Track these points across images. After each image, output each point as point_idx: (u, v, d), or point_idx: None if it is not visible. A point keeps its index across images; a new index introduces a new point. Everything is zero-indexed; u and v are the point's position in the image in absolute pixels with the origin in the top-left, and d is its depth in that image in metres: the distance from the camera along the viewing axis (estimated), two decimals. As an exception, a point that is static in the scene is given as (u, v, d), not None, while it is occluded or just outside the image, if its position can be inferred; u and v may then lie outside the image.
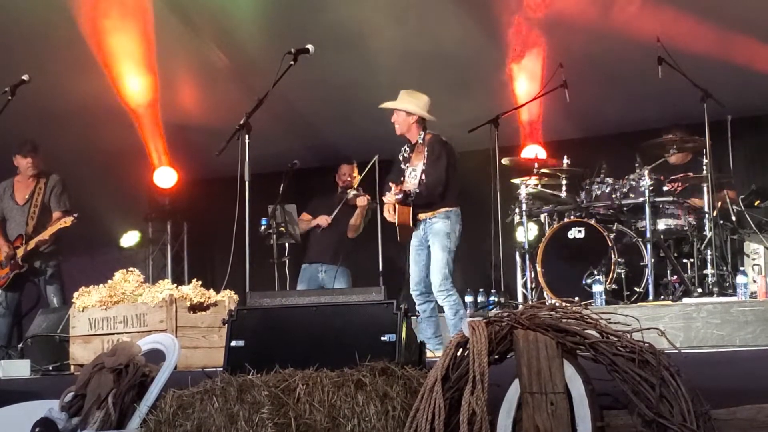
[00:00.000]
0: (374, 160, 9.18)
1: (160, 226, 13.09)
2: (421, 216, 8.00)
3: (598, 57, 9.64)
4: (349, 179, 9.76)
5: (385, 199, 8.09)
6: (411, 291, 8.06)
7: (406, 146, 8.18)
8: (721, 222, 8.56)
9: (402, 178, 8.09)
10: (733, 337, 6.99)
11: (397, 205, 7.97)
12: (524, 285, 9.30)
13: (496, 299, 8.62)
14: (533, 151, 9.99)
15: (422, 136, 8.04)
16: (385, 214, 8.12)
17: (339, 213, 9.58)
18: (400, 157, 8.21)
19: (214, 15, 10.16)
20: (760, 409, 3.11)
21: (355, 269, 10.02)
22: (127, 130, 11.05)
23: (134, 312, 7.08)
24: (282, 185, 9.11)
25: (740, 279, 7.88)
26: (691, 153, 8.98)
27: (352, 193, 9.49)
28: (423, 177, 7.95)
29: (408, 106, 8.07)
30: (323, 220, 9.65)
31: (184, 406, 4.09)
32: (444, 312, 8.01)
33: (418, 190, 7.93)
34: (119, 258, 11.69)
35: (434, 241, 7.95)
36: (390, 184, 8.08)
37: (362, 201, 9.46)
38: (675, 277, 8.45)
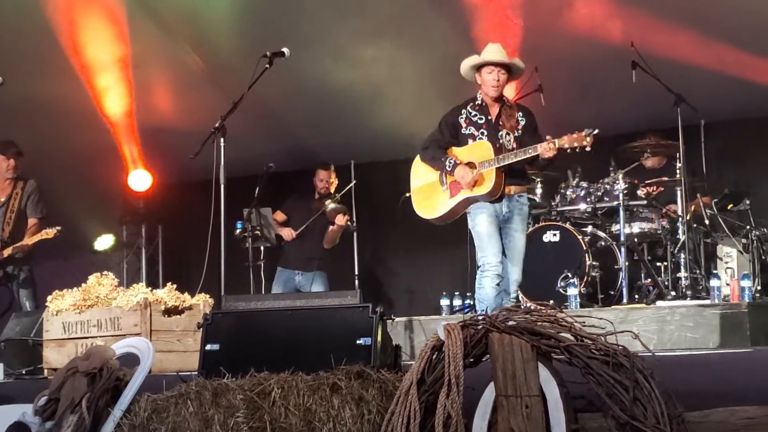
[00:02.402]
0: (351, 186, 9.21)
1: (134, 229, 13.05)
2: (510, 189, 7.03)
3: (574, 61, 9.67)
4: (326, 184, 9.74)
5: (544, 152, 6.76)
6: (495, 263, 6.97)
7: (469, 109, 7.16)
8: (695, 225, 8.61)
9: (472, 143, 7.06)
10: (706, 340, 7.02)
11: (494, 172, 6.85)
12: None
13: (472, 302, 8.63)
14: (508, 154, 10.00)
15: (506, 99, 7.27)
16: (464, 178, 6.92)
17: (314, 221, 9.53)
18: (463, 121, 7.14)
19: (189, 18, 10.13)
20: (733, 412, 3.13)
21: (331, 272, 10.02)
22: (101, 132, 11.00)
23: (108, 316, 7.04)
24: (257, 188, 9.10)
25: (713, 282, 7.92)
26: (665, 157, 9.05)
27: (330, 206, 9.42)
28: (516, 143, 7.01)
29: (520, 63, 7.19)
30: (288, 234, 9.57)
31: (159, 410, 4.08)
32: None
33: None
34: (93, 261, 11.62)
35: (520, 225, 7.10)
36: (548, 137, 6.84)
37: (341, 221, 9.41)
38: (649, 280, 8.51)
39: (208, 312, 4.67)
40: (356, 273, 9.29)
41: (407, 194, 7.65)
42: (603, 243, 8.62)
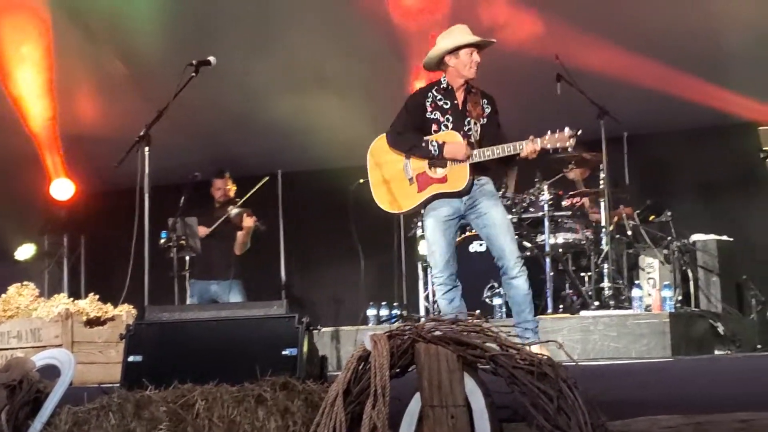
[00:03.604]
0: (265, 180, 9.12)
1: (56, 238, 12.85)
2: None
3: (499, 73, 9.70)
4: (225, 192, 9.63)
5: (526, 154, 6.44)
6: (439, 274, 6.65)
7: (435, 92, 6.69)
8: (618, 236, 8.73)
9: (436, 129, 6.61)
10: (628, 349, 7.12)
11: (468, 166, 6.46)
12: (426, 298, 9.37)
13: (399, 312, 8.65)
14: (436, 165, 10.04)
15: (471, 85, 6.72)
16: (458, 153, 6.45)
17: (223, 228, 9.42)
18: (429, 104, 6.66)
19: (114, 25, 10.03)
20: (655, 421, 3.16)
21: (257, 281, 9.97)
22: (22, 140, 10.82)
23: (29, 327, 6.93)
24: (183, 198, 9.02)
25: (635, 292, 8.04)
26: (588, 169, 9.15)
27: (234, 211, 9.33)
28: (481, 132, 6.61)
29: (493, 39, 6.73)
30: (204, 231, 9.47)
31: (80, 423, 4.01)
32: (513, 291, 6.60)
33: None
34: (14, 271, 11.41)
35: (496, 202, 6.62)
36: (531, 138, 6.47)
37: (249, 222, 9.32)
38: (573, 290, 8.59)
39: (131, 323, 4.62)
40: (283, 283, 9.25)
41: (361, 180, 7.22)
42: (528, 253, 8.69)
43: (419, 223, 9.26)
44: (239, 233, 9.41)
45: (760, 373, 5.01)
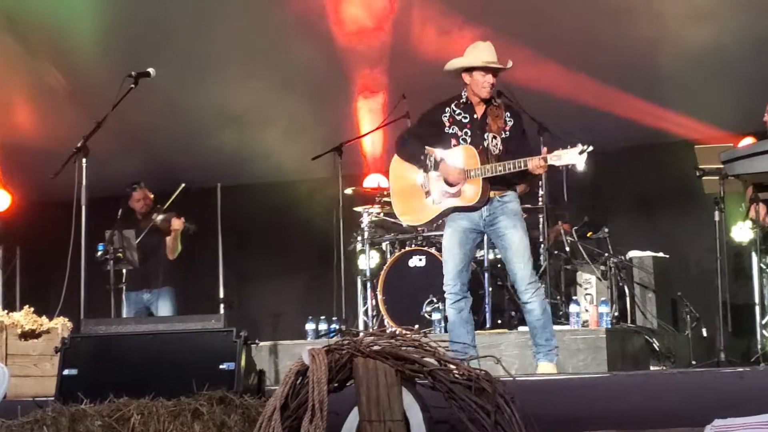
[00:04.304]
0: (181, 188, 9.07)
1: (-9, 250, 12.64)
2: (492, 193, 6.52)
3: (441, 89, 9.77)
4: (144, 202, 9.54)
5: (534, 169, 6.37)
6: (449, 284, 6.63)
7: (453, 107, 6.68)
8: (556, 252, 8.79)
9: (455, 143, 6.59)
10: (565, 364, 7.16)
11: (480, 181, 6.41)
12: (365, 312, 9.36)
13: (338, 327, 8.63)
14: (376, 179, 10.08)
15: (494, 98, 6.69)
16: (450, 175, 6.48)
17: (151, 236, 9.32)
18: (446, 119, 6.64)
19: (52, 36, 9.94)
20: (590, 435, 3.20)
21: (194, 295, 9.89)
22: (-44, 149, 10.67)
23: (-38, 339, 6.82)
24: (120, 210, 8.93)
25: (573, 308, 8.10)
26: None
27: (159, 217, 9.25)
28: (503, 146, 6.54)
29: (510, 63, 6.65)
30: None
31: (13, 437, 3.96)
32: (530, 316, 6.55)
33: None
34: (-53, 284, 11.24)
35: (516, 223, 6.52)
36: (544, 150, 6.48)
37: (177, 224, 9.24)
38: (511, 305, 8.62)
39: (67, 336, 4.57)
40: (221, 296, 9.18)
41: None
42: (467, 268, 8.72)
43: (358, 238, 9.27)
44: (168, 238, 9.34)
45: (694, 389, 5.07)
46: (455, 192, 6.54)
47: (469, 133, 6.58)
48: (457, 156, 6.53)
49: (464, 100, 6.68)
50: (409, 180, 6.75)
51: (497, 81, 6.64)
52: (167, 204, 9.29)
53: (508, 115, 6.63)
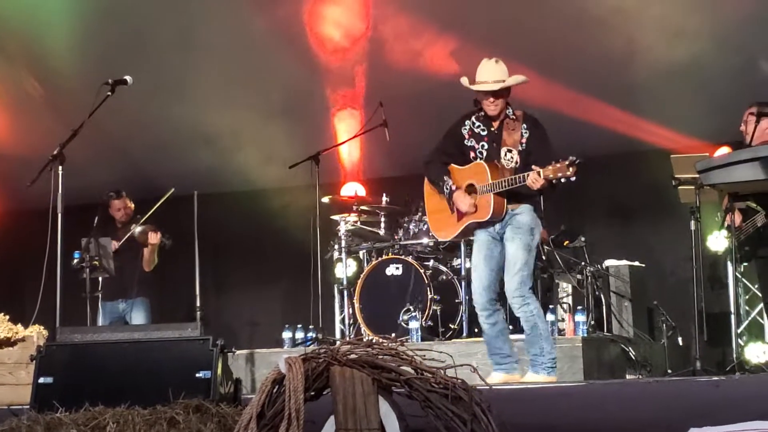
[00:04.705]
0: (170, 192, 9.04)
1: (-34, 258, 12.57)
2: (507, 207, 6.64)
3: (418, 97, 9.82)
4: (125, 212, 9.50)
5: (532, 184, 6.42)
6: (477, 299, 6.75)
7: (474, 120, 6.79)
8: (533, 261, 8.81)
9: (473, 156, 6.73)
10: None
11: (492, 196, 6.55)
12: (342, 321, 9.35)
13: (315, 335, 8.62)
14: (353, 188, 10.08)
15: (511, 111, 6.74)
16: (462, 204, 6.66)
17: (129, 246, 9.28)
18: (466, 132, 6.78)
19: (28, 43, 9.90)
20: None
21: (171, 303, 9.86)
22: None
23: (-65, 348, 6.77)
24: (96, 218, 8.89)
25: (549, 317, 8.11)
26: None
27: (137, 229, 9.19)
28: (520, 159, 6.61)
29: (515, 80, 6.73)
30: (115, 245, 9.29)
31: (-13, 446, 3.94)
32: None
33: (556, 180, 6.42)
34: None
35: (515, 236, 6.59)
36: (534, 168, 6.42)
37: (154, 239, 9.20)
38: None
39: (42, 344, 4.55)
40: (198, 305, 9.15)
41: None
42: (444, 277, 8.74)
43: (335, 246, 9.27)
44: (145, 250, 9.31)
45: (670, 398, 5.09)
46: (473, 208, 6.67)
47: (486, 147, 6.69)
48: (471, 173, 6.68)
49: (483, 112, 6.76)
50: (437, 197, 6.93)
51: (513, 95, 6.77)
52: (151, 211, 9.25)
53: (525, 126, 6.68)
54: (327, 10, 9.84)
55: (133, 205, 9.54)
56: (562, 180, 6.40)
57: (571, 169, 6.35)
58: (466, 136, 6.76)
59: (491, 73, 6.67)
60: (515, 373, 6.69)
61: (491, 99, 6.65)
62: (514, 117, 6.70)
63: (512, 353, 6.75)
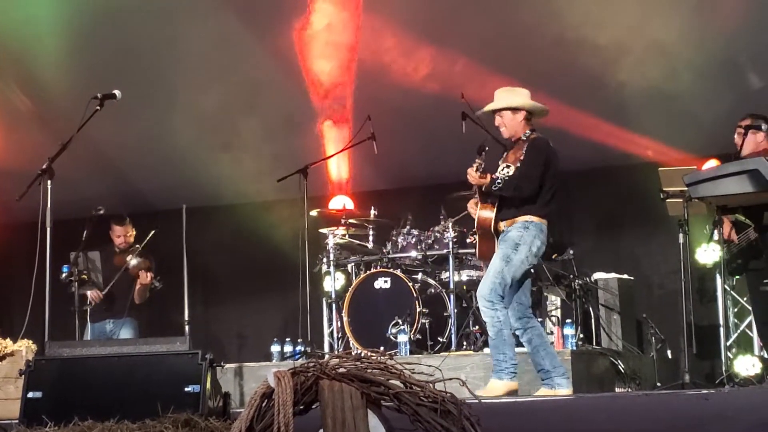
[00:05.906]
0: (152, 233, 9.04)
1: (-46, 272, 12.53)
2: (501, 226, 6.94)
3: (406, 111, 9.85)
4: (125, 239, 9.44)
5: (470, 179, 6.94)
6: (511, 322, 6.96)
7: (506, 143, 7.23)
8: (521, 274, 8.82)
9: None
10: (531, 386, 7.18)
11: (478, 205, 7.02)
12: (331, 334, 9.35)
13: (303, 349, 8.61)
14: (341, 201, 10.09)
15: (527, 135, 7.04)
16: (470, 209, 7.19)
17: (124, 275, 9.24)
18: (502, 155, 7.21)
19: (17, 57, 9.90)
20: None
21: (159, 317, 9.84)
22: None
23: (-77, 362, 6.75)
24: (85, 232, 8.88)
25: (538, 330, 8.11)
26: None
27: (132, 262, 9.15)
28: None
29: (513, 101, 7.08)
30: (95, 296, 9.25)
31: (-25, 461, 3.92)
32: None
33: (499, 181, 6.83)
34: None
35: (499, 248, 6.90)
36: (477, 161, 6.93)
37: (144, 279, 9.14)
38: (477, 327, 8.65)
39: (31, 358, 4.54)
40: (186, 319, 9.13)
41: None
42: (433, 290, 8.74)
43: (324, 259, 9.27)
44: (138, 287, 9.23)
45: (659, 412, 5.10)
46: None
47: (499, 166, 7.04)
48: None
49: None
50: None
51: (536, 121, 7.16)
52: (144, 243, 9.20)
53: (527, 147, 6.96)
54: (316, 25, 9.86)
55: (134, 233, 9.46)
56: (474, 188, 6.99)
57: (469, 170, 6.85)
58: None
59: (498, 98, 7.13)
60: (550, 389, 6.81)
61: (497, 122, 7.08)
62: (525, 139, 7.01)
63: (558, 364, 6.88)
